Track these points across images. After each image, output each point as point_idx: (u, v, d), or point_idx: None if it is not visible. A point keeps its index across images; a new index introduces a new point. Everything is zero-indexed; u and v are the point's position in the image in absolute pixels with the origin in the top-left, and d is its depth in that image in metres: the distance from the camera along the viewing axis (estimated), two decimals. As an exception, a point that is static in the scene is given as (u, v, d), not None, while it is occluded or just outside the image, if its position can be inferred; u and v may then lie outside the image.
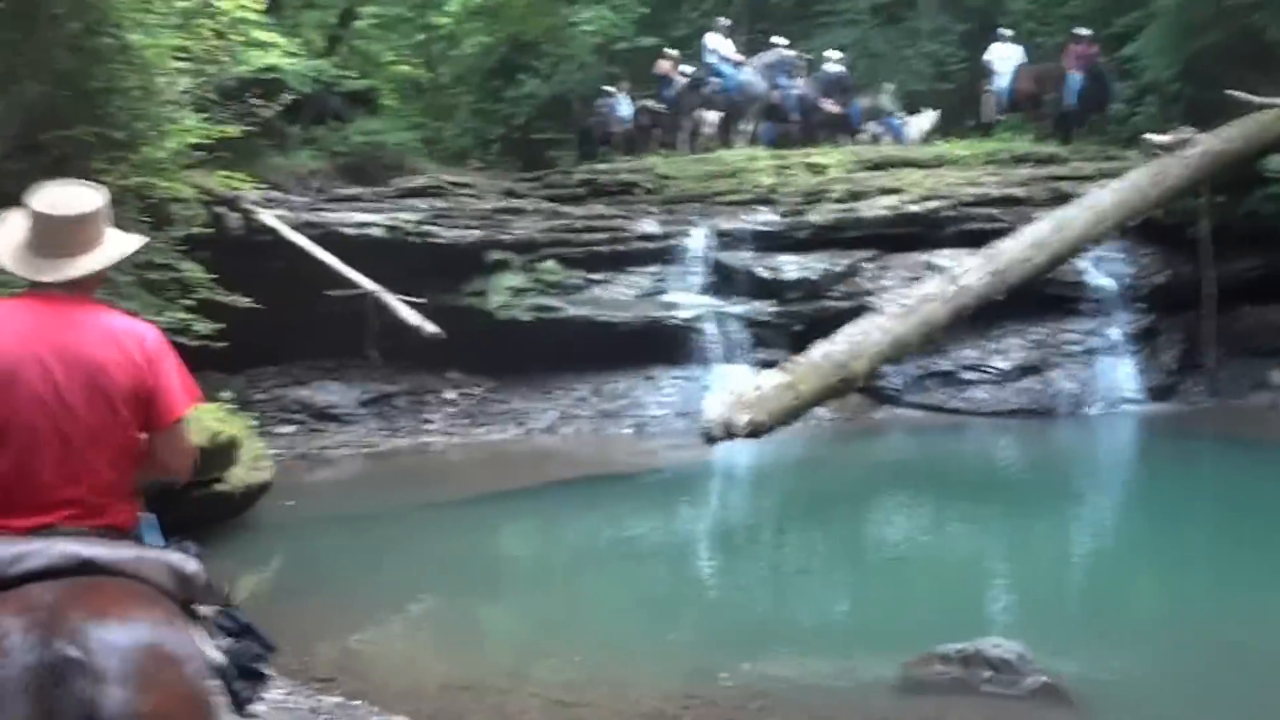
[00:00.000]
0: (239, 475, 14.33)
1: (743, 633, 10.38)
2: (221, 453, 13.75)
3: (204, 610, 4.01)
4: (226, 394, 16.04)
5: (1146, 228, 21.02)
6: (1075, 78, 25.22)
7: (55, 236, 4.10)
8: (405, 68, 27.91)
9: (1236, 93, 21.36)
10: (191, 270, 15.16)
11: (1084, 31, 25.42)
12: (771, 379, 15.70)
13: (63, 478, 3.92)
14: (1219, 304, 22.10)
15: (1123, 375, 22.36)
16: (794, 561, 14.00)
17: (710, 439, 15.10)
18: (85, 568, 3.63)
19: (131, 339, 4.07)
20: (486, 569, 13.55)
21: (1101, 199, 19.75)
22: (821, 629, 10.80)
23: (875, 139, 27.41)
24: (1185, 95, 24.86)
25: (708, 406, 17.05)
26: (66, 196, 4.16)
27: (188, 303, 14.91)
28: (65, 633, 3.29)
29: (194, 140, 15.72)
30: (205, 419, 13.83)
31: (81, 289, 4.11)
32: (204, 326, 14.58)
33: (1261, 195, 21.66)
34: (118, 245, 4.23)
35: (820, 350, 16.07)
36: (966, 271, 17.76)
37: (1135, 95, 26.43)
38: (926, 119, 27.75)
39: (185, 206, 15.84)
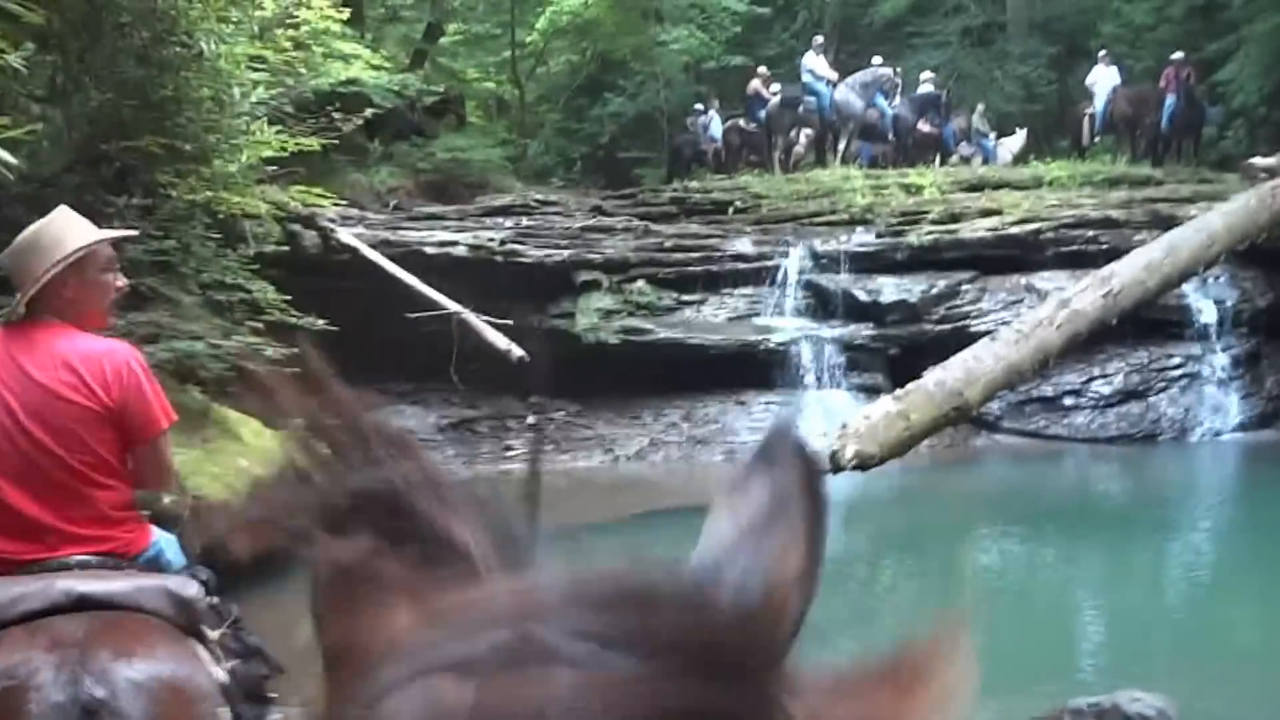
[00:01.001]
0: None
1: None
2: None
3: (212, 633, 3.94)
4: (297, 421, 14.38)
5: (1249, 251, 19.33)
6: (1170, 101, 23.89)
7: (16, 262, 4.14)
8: (490, 84, 26.41)
9: None
10: (262, 290, 13.57)
11: (1178, 55, 24.10)
12: (881, 408, 13.99)
13: (48, 508, 3.94)
14: None
15: (1226, 401, 20.89)
16: (893, 601, 12.86)
17: (814, 472, 13.23)
18: (83, 603, 3.60)
19: (95, 361, 4.04)
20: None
21: (1212, 222, 18.35)
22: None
23: (967, 160, 25.99)
24: (1273, 119, 24.24)
25: (810, 435, 14.79)
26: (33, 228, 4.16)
27: (256, 324, 13.31)
28: (94, 672, 3.32)
29: (269, 154, 14.17)
30: (275, 450, 12.24)
31: (48, 310, 4.10)
32: (275, 350, 12.95)
33: None
34: (68, 248, 4.10)
35: (933, 377, 14.37)
36: (1078, 294, 16.20)
37: (1225, 119, 25.51)
38: (1016, 140, 26.33)
39: (258, 223, 14.31)
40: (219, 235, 13.49)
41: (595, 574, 0.75)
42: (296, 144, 14.45)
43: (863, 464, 13.47)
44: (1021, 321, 15.92)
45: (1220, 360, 20.99)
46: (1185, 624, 11.56)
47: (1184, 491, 18.64)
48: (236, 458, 11.65)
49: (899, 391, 14.48)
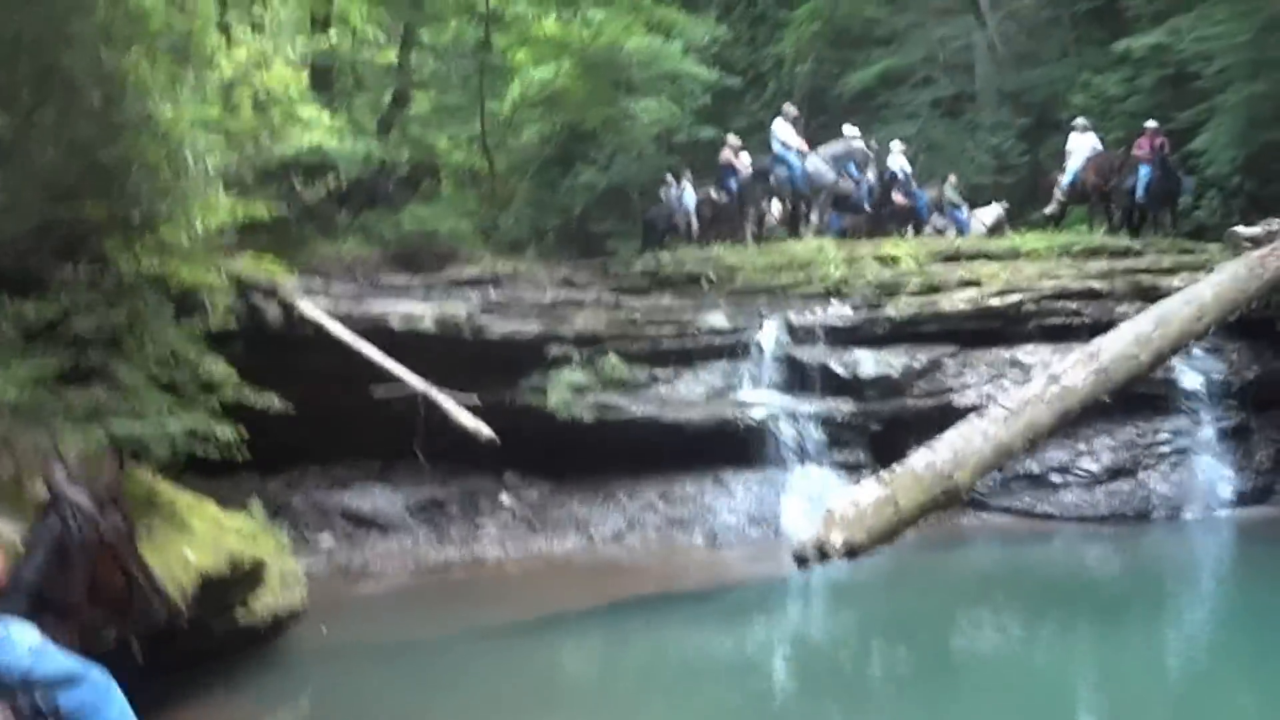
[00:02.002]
0: (266, 602, 12.21)
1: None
2: (244, 580, 11.22)
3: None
4: (256, 503, 13.34)
5: (1235, 322, 18.49)
6: (1145, 170, 23.22)
7: None
8: (460, 155, 25.54)
9: None
10: (216, 367, 12.50)
11: (1153, 124, 23.52)
12: (869, 493, 12.91)
13: None
14: None
15: (1217, 477, 20.04)
16: (882, 689, 12.55)
17: (802, 561, 12.33)
18: None
19: None
20: (546, 710, 11.30)
21: (1201, 293, 17.41)
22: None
23: (939, 231, 25.42)
24: (1245, 190, 23.83)
25: (795, 522, 16.25)
26: None
27: (212, 404, 12.27)
28: None
29: (226, 222, 13.16)
30: (227, 538, 11.36)
31: None
32: (227, 432, 11.96)
33: None
34: None
35: (921, 459, 13.32)
36: (1068, 370, 15.13)
37: (1198, 190, 24.93)
38: (990, 212, 25.65)
39: (213, 295, 13.20)
40: (172, 307, 12.45)
41: None
42: (250, 213, 13.45)
43: (852, 552, 12.44)
44: (1010, 398, 14.91)
45: (1209, 434, 20.26)
46: (1179, 709, 11.15)
47: (1176, 572, 17.92)
48: (181, 546, 10.61)
49: (885, 474, 13.44)
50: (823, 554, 12.24)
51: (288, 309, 16.64)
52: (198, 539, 10.89)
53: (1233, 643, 13.82)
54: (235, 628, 11.54)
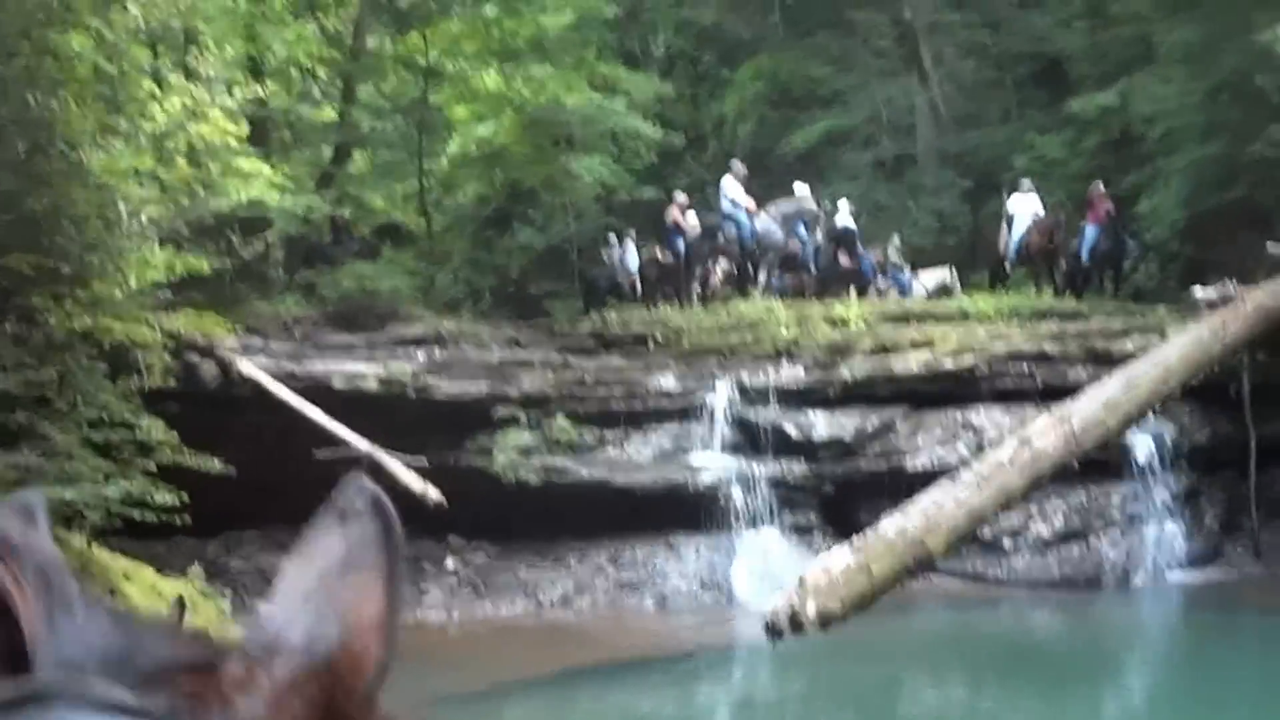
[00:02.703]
0: None
1: None
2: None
3: None
4: (196, 568, 12.56)
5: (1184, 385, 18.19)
6: (1090, 232, 23.13)
7: None
8: (398, 213, 24.93)
9: (1276, 244, 19.72)
10: (152, 428, 11.76)
11: (1100, 187, 23.35)
12: (840, 561, 12.44)
13: None
14: (1258, 464, 19.92)
15: (1167, 541, 19.86)
16: None
17: (774, 633, 11.77)
18: None
19: None
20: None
21: (1166, 355, 17.36)
22: None
23: (881, 293, 24.86)
24: (1184, 254, 24.10)
25: (747, 586, 16.06)
26: None
27: (148, 466, 11.53)
28: None
29: (160, 277, 12.44)
30: (165, 607, 10.60)
31: None
32: (166, 497, 11.22)
33: None
34: None
35: (893, 525, 12.88)
36: (1039, 434, 14.77)
37: (1140, 253, 24.87)
38: (934, 275, 25.33)
39: (148, 353, 12.47)
40: (103, 366, 11.71)
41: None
42: (187, 267, 12.74)
43: (825, 622, 11.88)
44: (981, 463, 14.47)
45: (1160, 499, 19.98)
46: None
47: (1124, 642, 17.84)
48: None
49: (857, 541, 12.93)
50: (795, 624, 11.72)
51: (225, 368, 15.97)
52: (134, 608, 10.16)
53: (1174, 716, 13.96)
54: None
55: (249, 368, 16.19)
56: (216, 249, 14.09)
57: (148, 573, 11.52)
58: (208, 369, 15.93)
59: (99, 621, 0.78)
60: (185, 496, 11.67)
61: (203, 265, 13.11)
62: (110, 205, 11.85)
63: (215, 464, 12.61)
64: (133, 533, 11.98)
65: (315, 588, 0.81)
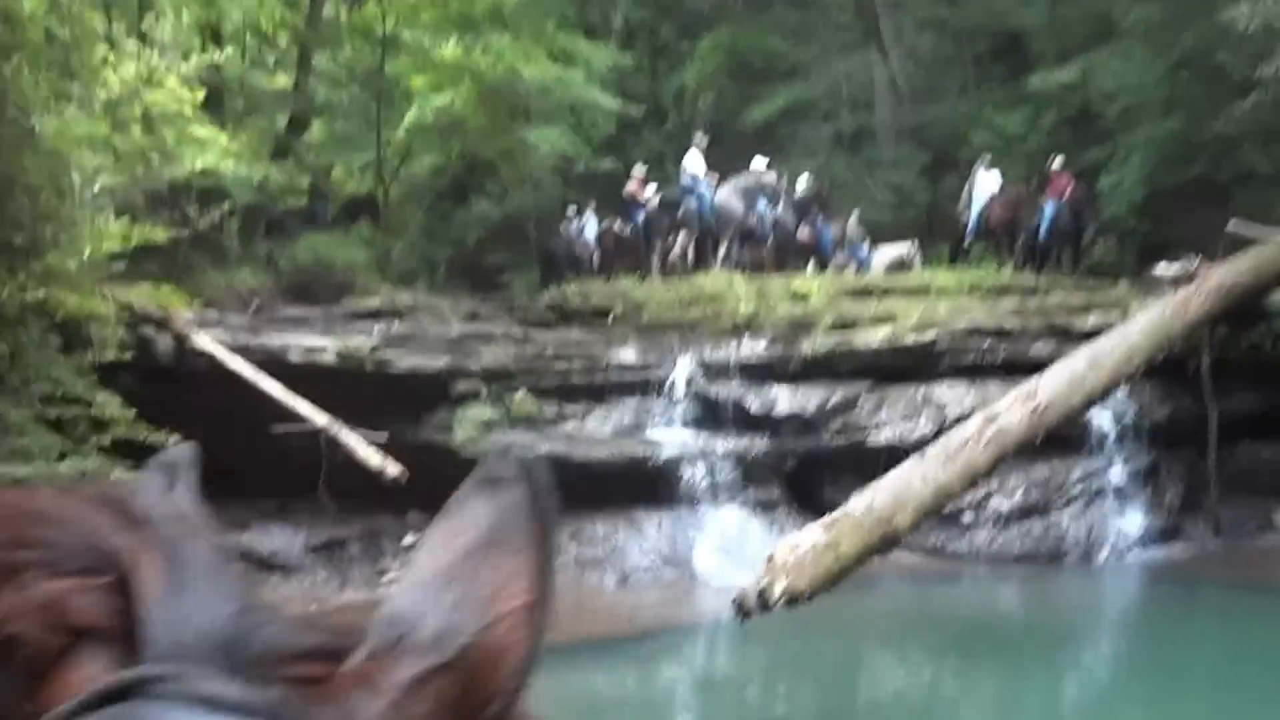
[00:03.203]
0: None
1: None
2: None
3: None
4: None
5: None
6: (1050, 208, 23.11)
7: None
8: (353, 184, 24.55)
9: (1236, 222, 19.55)
10: (107, 403, 11.40)
11: (1059, 163, 23.34)
12: (809, 538, 12.32)
13: None
14: (1218, 441, 19.94)
15: (1127, 517, 19.85)
16: None
17: (743, 612, 11.60)
18: None
19: None
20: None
21: (1130, 332, 17.38)
22: None
23: (840, 268, 24.59)
24: (1142, 230, 24.05)
25: (709, 563, 15.87)
26: None
27: (102, 442, 11.18)
28: None
29: (113, 248, 12.07)
30: None
31: None
32: (123, 473, 10.85)
33: (1264, 329, 19.80)
34: None
35: (861, 503, 12.77)
36: (1005, 411, 14.70)
37: (1095, 231, 24.72)
38: (892, 250, 25.19)
39: (102, 326, 12.10)
40: (56, 339, 11.35)
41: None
42: (143, 237, 12.35)
43: (793, 600, 11.70)
44: (947, 439, 14.33)
45: (1121, 475, 20.00)
46: None
47: (1084, 618, 17.71)
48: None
49: (826, 520, 12.80)
50: (764, 603, 11.55)
51: (181, 341, 15.53)
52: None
53: (1134, 690, 13.84)
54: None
55: (205, 341, 15.77)
56: (172, 219, 13.66)
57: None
58: (163, 342, 15.51)
59: (220, 598, 0.74)
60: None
61: (158, 235, 12.72)
62: (63, 173, 11.52)
63: (171, 439, 12.26)
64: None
65: (455, 568, 0.75)
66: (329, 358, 17.58)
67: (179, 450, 0.89)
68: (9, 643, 0.70)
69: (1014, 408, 14.90)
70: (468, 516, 0.77)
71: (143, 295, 13.96)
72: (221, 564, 0.77)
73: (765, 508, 18.75)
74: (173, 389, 14.59)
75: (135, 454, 11.45)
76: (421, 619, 0.72)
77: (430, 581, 0.74)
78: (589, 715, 12.58)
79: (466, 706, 0.70)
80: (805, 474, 18.94)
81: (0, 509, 0.75)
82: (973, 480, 14.17)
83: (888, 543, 13.13)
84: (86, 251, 11.84)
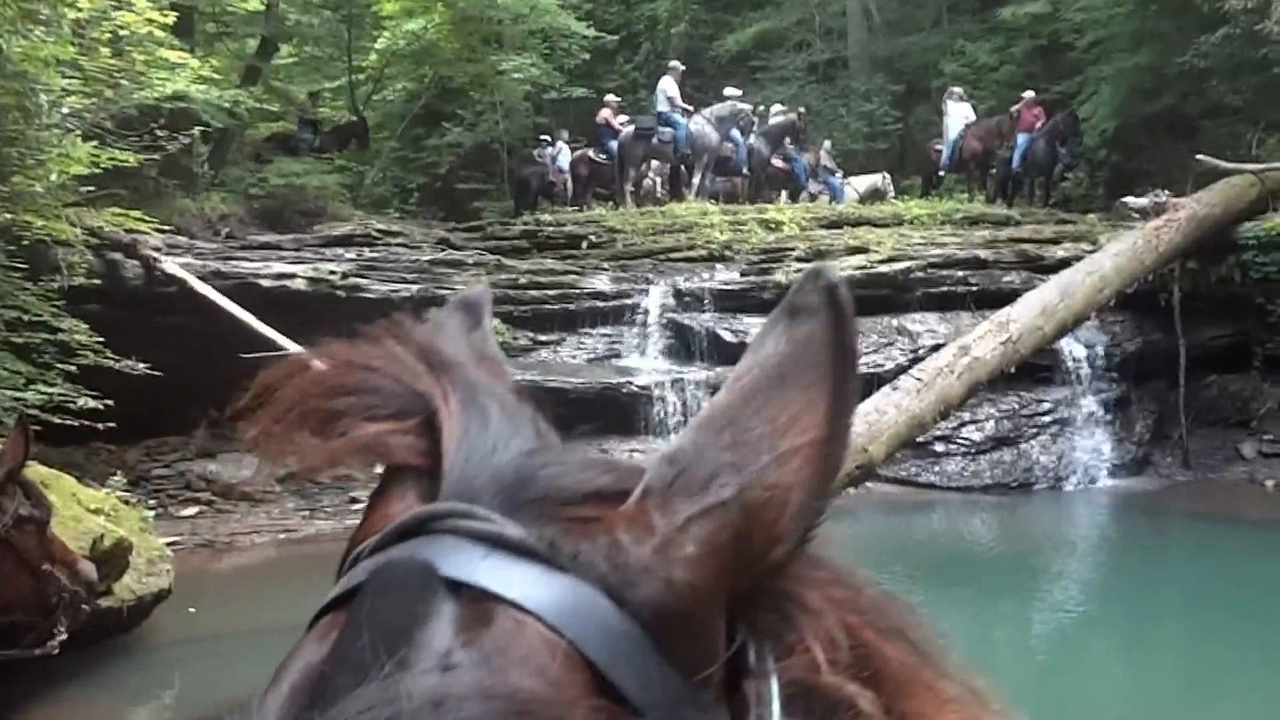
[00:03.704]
0: (129, 584, 10.62)
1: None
2: (105, 561, 9.86)
3: None
4: (117, 478, 11.98)
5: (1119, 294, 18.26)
6: (1022, 139, 23.08)
7: None
8: (326, 110, 24.14)
9: (1204, 157, 19.40)
10: (74, 329, 11.15)
11: (1030, 94, 23.37)
12: (781, 468, 12.00)
13: None
14: (1187, 373, 19.97)
15: (1097, 448, 19.81)
16: None
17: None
18: None
19: None
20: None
21: (1101, 263, 17.39)
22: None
23: (814, 197, 24.60)
24: (1111, 163, 24.16)
25: None
26: None
27: (69, 369, 10.93)
28: None
29: (81, 171, 11.77)
30: (87, 518, 10.08)
31: None
32: (88, 401, 10.64)
33: (1233, 262, 19.59)
34: None
35: (834, 432, 12.44)
36: (978, 341, 14.62)
37: (1067, 163, 24.81)
38: (865, 180, 25.21)
39: (69, 251, 11.84)
40: (22, 264, 11.09)
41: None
42: (111, 159, 12.05)
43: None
44: (921, 369, 14.22)
45: (1091, 406, 19.92)
46: (1049, 676, 11.17)
47: (1055, 544, 17.62)
48: (34, 528, 9.31)
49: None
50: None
51: (149, 267, 15.21)
52: (55, 519, 9.62)
53: (1104, 615, 13.79)
54: (96, 614, 10.25)
55: (173, 267, 15.46)
56: (140, 143, 13.32)
57: (68, 482, 10.92)
58: (131, 268, 15.21)
59: (515, 438, 0.76)
60: (111, 403, 11.11)
61: (127, 159, 12.42)
62: (29, 95, 11.19)
63: (139, 367, 12.04)
64: (51, 439, 11.41)
65: (740, 406, 0.71)
66: (300, 284, 17.27)
67: (479, 290, 0.96)
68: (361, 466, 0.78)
69: (987, 338, 14.85)
70: (764, 349, 0.73)
71: (111, 220, 13.66)
72: (520, 405, 0.80)
73: (740, 441, 18.61)
74: (141, 315, 14.30)
75: (101, 382, 11.24)
76: (700, 458, 0.68)
77: (715, 420, 0.70)
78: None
79: (744, 550, 0.67)
80: (779, 407, 18.76)
81: (325, 360, 0.82)
82: (946, 410, 14.12)
83: (864, 473, 13.04)
84: (53, 175, 11.55)
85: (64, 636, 4.98)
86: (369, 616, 0.66)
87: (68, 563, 4.71)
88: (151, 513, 12.93)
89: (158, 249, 15.42)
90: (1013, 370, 15.70)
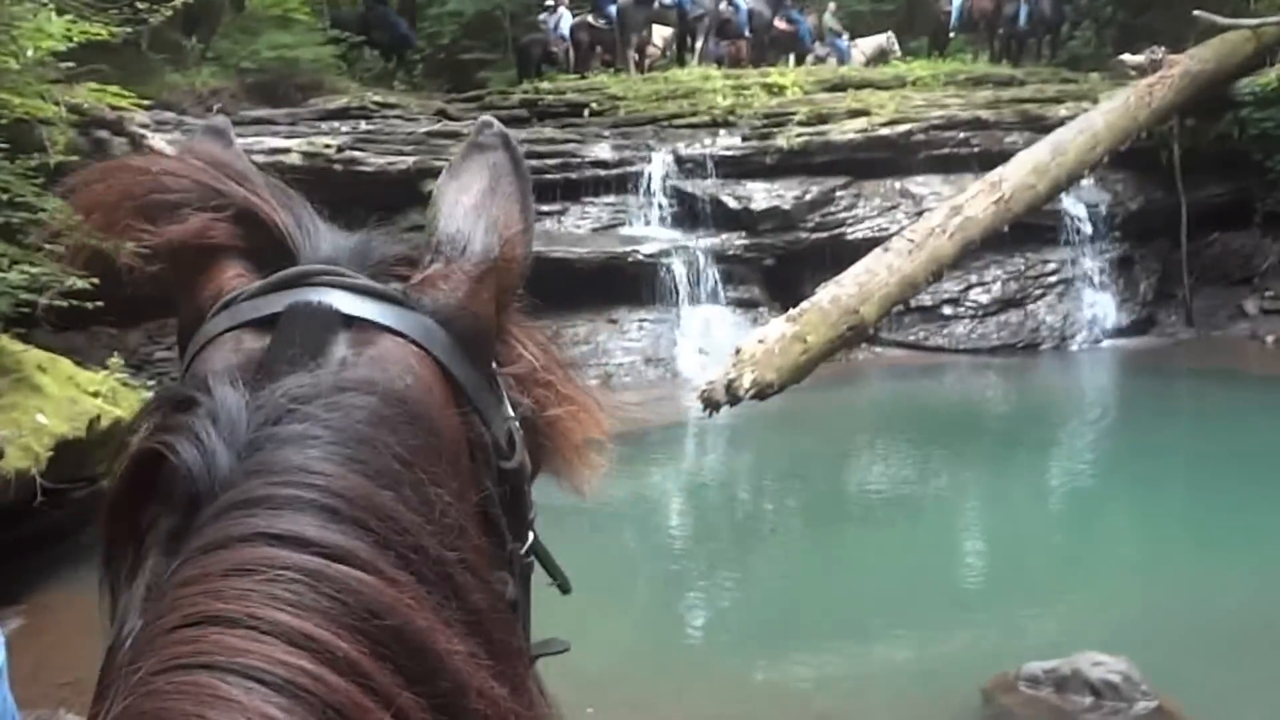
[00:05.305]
0: None
1: (762, 633, 9.04)
2: (104, 443, 9.64)
3: None
4: (116, 359, 11.76)
5: (1117, 153, 17.85)
6: None
7: None
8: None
9: (1202, 13, 19.02)
10: (57, 209, 10.79)
11: None
12: (776, 330, 12.01)
13: None
14: (1189, 232, 19.99)
15: (1102, 307, 19.89)
16: (779, 527, 12.48)
17: (711, 404, 11.29)
18: None
19: None
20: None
21: (1094, 121, 17.12)
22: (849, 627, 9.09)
23: (821, 60, 24.16)
24: (1119, 20, 23.79)
25: (692, 361, 16.01)
26: None
27: (56, 250, 10.55)
28: None
29: (58, 47, 11.38)
30: (84, 400, 9.87)
31: None
32: (76, 282, 10.33)
33: (1231, 118, 19.64)
34: None
35: (827, 294, 12.43)
36: (970, 201, 14.42)
37: (1073, 20, 24.67)
38: (871, 42, 24.62)
39: (51, 129, 11.51)
40: (4, 144, 10.76)
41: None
42: (84, 34, 11.63)
43: (760, 393, 11.41)
44: (913, 230, 13.89)
45: (1095, 266, 19.89)
46: (1064, 532, 11.55)
47: (1065, 403, 17.89)
48: (33, 412, 9.18)
49: (793, 311, 12.41)
50: (733, 396, 11.24)
51: (136, 143, 14.79)
52: (51, 401, 9.59)
53: (1114, 466, 14.03)
54: (95, 496, 10.07)
55: (159, 143, 14.95)
56: (121, 16, 12.89)
57: (65, 365, 10.69)
58: (118, 145, 14.74)
59: (329, 227, 1.08)
60: (98, 282, 10.81)
61: (103, 33, 11.97)
62: (0, -37, 10.78)
63: (129, 247, 11.73)
64: (49, 323, 11.19)
65: (476, 207, 1.05)
66: (294, 158, 16.74)
67: (220, 119, 1.20)
68: (178, 254, 1.02)
69: (979, 197, 14.64)
70: (472, 170, 1.08)
71: (93, 96, 13.25)
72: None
73: (746, 306, 18.43)
74: (130, 194, 13.98)
75: (92, 263, 10.97)
76: (471, 237, 1.02)
77: (465, 214, 1.04)
78: (569, 515, 12.29)
79: (502, 295, 1.04)
80: (785, 270, 18.46)
81: (133, 170, 1.04)
82: (939, 271, 13.88)
83: (856, 334, 12.83)
84: (30, 51, 11.16)
85: None
86: (298, 333, 0.92)
87: None
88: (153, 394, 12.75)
89: (145, 125, 15.03)
90: (1008, 231, 15.52)
